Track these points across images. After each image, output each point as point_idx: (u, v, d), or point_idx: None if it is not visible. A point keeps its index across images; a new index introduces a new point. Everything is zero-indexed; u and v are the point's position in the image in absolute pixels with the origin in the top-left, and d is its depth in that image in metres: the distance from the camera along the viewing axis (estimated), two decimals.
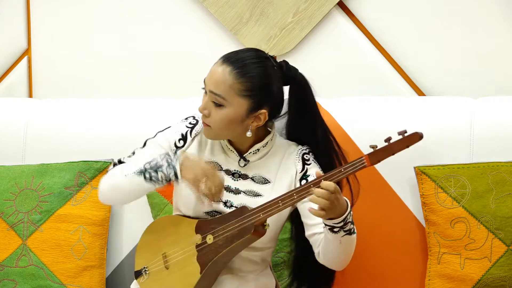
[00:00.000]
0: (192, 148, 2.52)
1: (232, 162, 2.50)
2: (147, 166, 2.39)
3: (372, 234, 2.80)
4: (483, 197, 2.68)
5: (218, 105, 2.40)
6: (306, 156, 2.50)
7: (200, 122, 2.51)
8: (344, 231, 2.30)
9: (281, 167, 2.50)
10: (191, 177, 2.35)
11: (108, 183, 2.47)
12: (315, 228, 2.42)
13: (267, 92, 2.43)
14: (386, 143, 2.26)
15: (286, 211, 2.49)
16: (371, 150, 2.27)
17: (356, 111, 2.88)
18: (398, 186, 2.80)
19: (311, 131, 2.52)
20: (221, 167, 2.50)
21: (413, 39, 3.10)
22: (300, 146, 2.52)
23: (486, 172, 2.70)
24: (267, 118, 2.44)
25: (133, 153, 2.52)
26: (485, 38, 3.06)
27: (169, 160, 2.38)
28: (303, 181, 2.46)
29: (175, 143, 2.51)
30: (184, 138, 2.52)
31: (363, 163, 2.26)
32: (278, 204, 2.32)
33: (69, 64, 3.29)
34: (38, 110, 3.02)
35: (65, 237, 2.80)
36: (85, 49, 3.27)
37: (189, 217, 2.48)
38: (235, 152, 2.49)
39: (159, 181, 2.39)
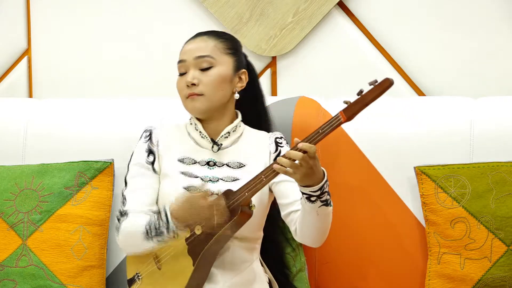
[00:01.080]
0: (161, 154, 2.56)
1: (204, 151, 2.55)
2: (151, 232, 2.42)
3: (372, 234, 2.80)
4: (483, 197, 2.68)
5: (207, 68, 2.51)
6: (279, 140, 2.58)
7: (154, 129, 2.59)
8: (321, 201, 2.32)
9: (254, 151, 2.55)
10: (189, 224, 2.38)
11: (127, 248, 2.52)
12: (291, 207, 2.45)
13: (242, 54, 2.60)
14: (359, 96, 2.26)
15: (266, 196, 2.51)
16: (345, 105, 2.27)
17: None
18: (398, 186, 2.80)
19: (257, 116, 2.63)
20: (195, 160, 2.53)
21: (413, 39, 3.10)
22: (271, 133, 2.60)
23: (486, 172, 2.70)
24: (247, 79, 2.57)
25: (124, 198, 2.55)
26: (485, 38, 3.06)
27: (164, 221, 2.40)
28: None
29: (146, 161, 2.56)
30: (150, 151, 2.57)
31: (339, 119, 2.27)
32: (261, 179, 2.33)
33: (69, 64, 3.29)
34: (38, 110, 3.02)
35: (65, 237, 2.80)
36: (85, 49, 3.28)
37: None
38: (208, 138, 2.53)
39: (169, 238, 2.42)
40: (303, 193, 2.32)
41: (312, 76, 3.17)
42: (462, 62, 3.08)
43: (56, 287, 2.77)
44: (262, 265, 2.61)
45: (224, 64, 2.52)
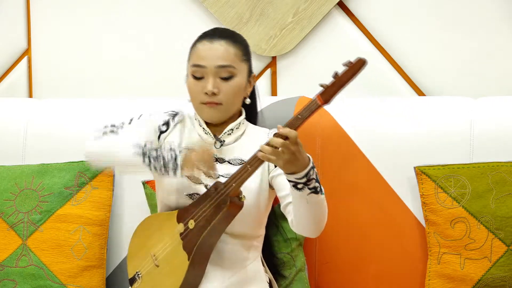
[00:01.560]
0: (173, 133, 2.56)
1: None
2: (148, 147, 2.41)
3: (372, 234, 2.80)
4: (483, 197, 2.68)
5: (228, 78, 2.48)
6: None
7: (179, 114, 2.59)
8: (309, 188, 2.30)
9: (255, 147, 2.52)
10: (190, 171, 2.37)
11: (102, 154, 2.49)
12: (288, 198, 2.44)
13: (251, 56, 2.57)
14: (334, 78, 2.26)
15: (265, 192, 2.51)
16: (322, 89, 2.27)
17: (356, 111, 2.89)
18: (398, 186, 2.80)
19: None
20: None
21: (413, 39, 3.10)
22: (272, 129, 2.59)
23: (486, 172, 2.70)
24: (254, 83, 2.58)
25: (122, 125, 2.54)
26: (485, 38, 3.06)
27: (174, 155, 2.39)
28: None
29: (159, 126, 2.56)
30: (166, 123, 2.57)
31: (316, 103, 2.26)
32: (247, 168, 2.34)
33: (69, 64, 3.29)
34: (38, 110, 3.02)
35: (65, 237, 2.80)
36: (85, 49, 3.28)
37: (170, 209, 2.50)
38: (211, 134, 2.53)
39: (156, 169, 2.40)
40: (289, 181, 2.31)
41: (312, 76, 3.17)
42: (462, 62, 3.08)
43: (56, 287, 2.77)
44: (263, 265, 2.60)
45: (242, 73, 2.51)
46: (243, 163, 2.51)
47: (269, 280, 2.60)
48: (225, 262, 2.49)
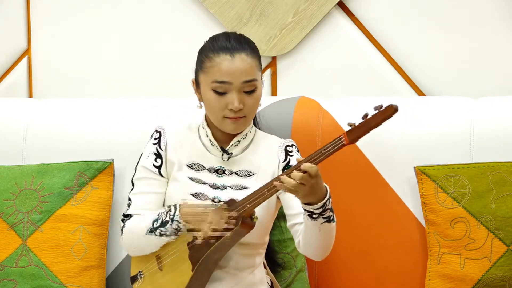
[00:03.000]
0: (170, 158, 2.54)
1: (214, 159, 2.52)
2: (156, 225, 2.43)
3: (372, 234, 2.80)
4: (483, 197, 2.68)
5: (252, 91, 2.44)
6: (289, 148, 2.53)
7: (164, 130, 2.55)
8: (323, 218, 2.30)
9: (264, 158, 2.52)
10: (193, 226, 2.38)
11: (131, 247, 2.53)
12: (296, 218, 2.44)
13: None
14: (363, 120, 2.24)
15: (273, 204, 2.50)
16: (349, 128, 2.24)
17: (356, 111, 2.88)
18: (398, 186, 2.80)
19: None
20: (204, 167, 2.52)
21: (413, 39, 3.10)
22: (282, 139, 2.56)
23: (486, 172, 2.70)
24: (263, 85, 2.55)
25: (130, 200, 2.54)
26: (485, 38, 3.06)
27: (171, 215, 2.40)
28: None
29: (153, 165, 2.54)
30: (157, 155, 2.55)
31: (341, 142, 2.24)
32: (263, 192, 2.32)
33: (69, 64, 3.29)
34: (38, 110, 3.02)
35: (65, 237, 2.80)
36: (85, 49, 3.28)
37: None
38: (218, 147, 2.51)
39: (171, 235, 2.42)
40: (305, 210, 2.31)
41: (312, 76, 3.17)
42: (462, 62, 3.08)
43: (56, 287, 2.77)
44: (265, 267, 2.61)
45: (260, 83, 2.48)
46: (251, 175, 2.50)
47: (271, 282, 2.60)
48: (231, 269, 2.49)
